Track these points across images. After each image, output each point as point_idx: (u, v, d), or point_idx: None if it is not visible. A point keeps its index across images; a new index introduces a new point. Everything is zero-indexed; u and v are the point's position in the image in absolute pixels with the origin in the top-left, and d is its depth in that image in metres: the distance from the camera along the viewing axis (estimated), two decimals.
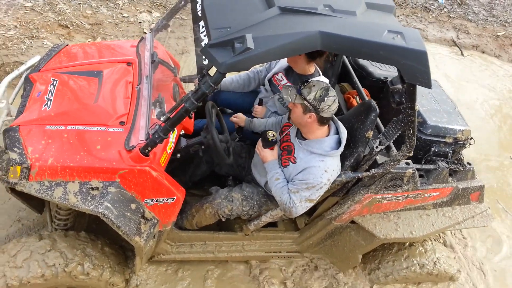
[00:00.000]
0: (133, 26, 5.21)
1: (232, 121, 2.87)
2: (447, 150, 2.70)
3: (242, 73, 3.17)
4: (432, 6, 7.47)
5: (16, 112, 2.52)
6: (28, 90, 2.63)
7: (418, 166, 2.62)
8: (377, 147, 2.45)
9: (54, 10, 4.99)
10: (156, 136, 2.18)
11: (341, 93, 3.17)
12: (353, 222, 2.80)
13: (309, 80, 2.37)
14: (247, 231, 2.78)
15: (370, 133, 2.48)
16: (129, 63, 2.81)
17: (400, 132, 2.34)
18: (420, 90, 2.98)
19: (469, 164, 2.78)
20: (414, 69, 2.00)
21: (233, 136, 2.98)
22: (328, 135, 2.43)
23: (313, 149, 2.38)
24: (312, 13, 2.14)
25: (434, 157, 2.70)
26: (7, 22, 4.61)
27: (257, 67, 3.25)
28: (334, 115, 2.47)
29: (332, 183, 2.46)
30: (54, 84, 2.59)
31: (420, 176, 2.70)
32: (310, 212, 2.89)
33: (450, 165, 2.68)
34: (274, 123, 2.80)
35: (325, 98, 2.26)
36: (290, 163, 2.45)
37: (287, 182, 2.45)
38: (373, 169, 2.50)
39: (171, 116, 2.15)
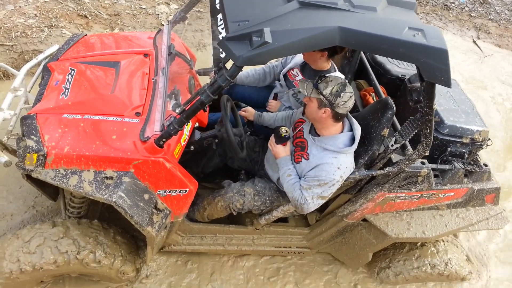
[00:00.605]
0: (151, 18, 5.22)
1: (241, 114, 2.84)
2: (463, 150, 2.66)
3: (258, 67, 3.15)
4: (453, 5, 7.35)
5: (34, 100, 2.55)
6: (46, 78, 2.65)
7: (434, 166, 2.59)
8: (392, 145, 2.43)
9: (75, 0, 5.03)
10: (171, 128, 2.18)
11: (358, 90, 3.13)
12: (364, 220, 2.78)
13: (327, 75, 2.34)
14: (258, 225, 2.78)
15: (386, 131, 2.46)
16: (146, 55, 2.82)
17: (416, 131, 2.32)
18: (438, 88, 2.94)
19: (486, 165, 2.74)
20: (434, 67, 1.96)
21: (245, 129, 2.97)
22: (342, 132, 2.41)
23: (326, 145, 2.36)
24: (331, 8, 2.11)
25: (450, 157, 2.66)
26: (27, 11, 4.66)
27: (273, 62, 3.23)
28: (349, 112, 2.45)
29: (345, 181, 2.45)
30: (71, 74, 2.62)
31: (435, 176, 2.67)
32: (322, 208, 2.88)
33: (466, 166, 2.64)
34: (283, 117, 2.78)
35: (342, 94, 2.24)
36: (303, 160, 2.44)
37: (299, 178, 2.44)
38: (387, 168, 2.47)
39: (186, 109, 2.16)
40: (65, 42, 2.96)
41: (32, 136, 2.25)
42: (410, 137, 2.36)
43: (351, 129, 2.42)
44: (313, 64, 2.78)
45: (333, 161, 2.33)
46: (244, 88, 3.14)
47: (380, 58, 3.18)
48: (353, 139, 2.39)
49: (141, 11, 5.23)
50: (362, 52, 3.20)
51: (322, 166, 2.34)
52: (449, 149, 2.66)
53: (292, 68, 2.93)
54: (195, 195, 2.83)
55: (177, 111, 2.23)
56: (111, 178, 2.24)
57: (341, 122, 2.41)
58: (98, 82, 2.59)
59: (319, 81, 2.27)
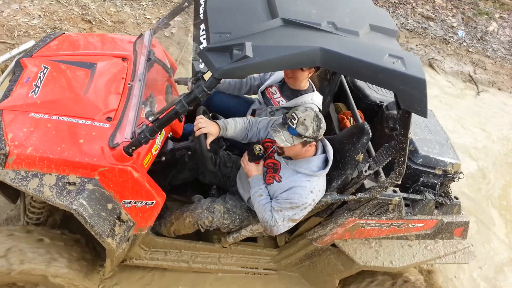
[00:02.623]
0: (144, 26, 5.18)
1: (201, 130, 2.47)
2: (435, 181, 2.67)
3: None
4: (452, 39, 7.54)
5: (1, 95, 2.43)
6: (18, 74, 2.54)
7: (405, 195, 2.58)
8: (365, 171, 2.41)
9: (79, 4, 5.00)
10: (142, 136, 2.11)
11: (336, 112, 3.14)
12: (334, 245, 2.73)
13: (288, 112, 2.25)
14: (225, 244, 2.70)
15: (360, 156, 2.44)
16: (124, 59, 2.74)
17: (390, 159, 2.31)
18: (415, 118, 2.96)
19: (456, 198, 2.75)
20: (412, 96, 1.97)
21: (220, 144, 2.92)
22: (315, 154, 2.38)
23: (300, 168, 2.32)
24: (315, 29, 2.10)
25: (422, 188, 2.66)
26: (32, 11, 4.63)
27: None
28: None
29: (317, 203, 2.41)
30: (44, 72, 2.52)
31: (406, 205, 2.66)
32: (291, 230, 2.83)
33: (437, 197, 2.64)
34: (243, 128, 2.55)
35: (321, 125, 2.22)
36: (275, 181, 2.40)
37: (271, 199, 2.39)
38: (359, 193, 2.45)
39: (160, 117, 2.09)
40: (41, 38, 2.86)
41: None
42: (384, 164, 2.35)
43: (324, 151, 2.40)
44: (293, 82, 2.74)
45: (307, 184, 2.29)
46: (222, 100, 3.08)
47: (360, 83, 3.20)
48: (326, 161, 2.36)
49: (145, 20, 5.23)
50: (342, 75, 3.22)
51: (295, 189, 2.30)
52: (421, 179, 2.66)
53: (270, 86, 2.89)
54: (163, 208, 2.74)
55: (150, 119, 2.16)
56: (74, 184, 2.13)
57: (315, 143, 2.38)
58: (71, 83, 2.50)
59: (291, 125, 2.18)
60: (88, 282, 2.39)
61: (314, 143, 2.28)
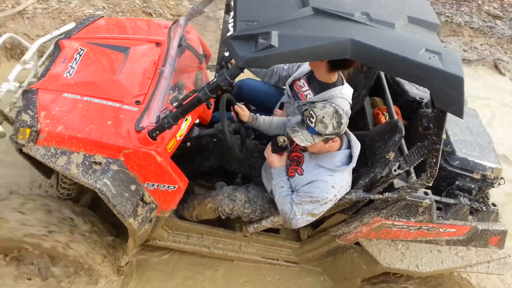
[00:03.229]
0: (211, 22, 5.26)
1: (236, 110, 2.60)
2: (472, 186, 2.51)
3: None
4: None
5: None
6: (56, 55, 2.64)
7: (437, 198, 2.44)
8: (395, 170, 2.30)
9: None
10: (166, 121, 2.12)
11: (371, 107, 3.01)
12: (358, 244, 2.65)
13: (308, 108, 2.20)
14: (246, 233, 2.70)
15: (391, 155, 2.33)
16: (158, 44, 2.77)
17: (422, 159, 2.19)
18: (456, 118, 2.78)
19: (494, 205, 2.57)
20: (447, 94, 1.84)
21: (248, 133, 2.89)
22: (340, 149, 2.30)
23: (322, 163, 2.26)
24: (347, 19, 2.01)
25: (456, 191, 2.51)
26: (97, 3, 4.83)
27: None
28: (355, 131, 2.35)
29: (340, 200, 2.34)
30: (80, 53, 2.59)
31: (438, 208, 2.52)
32: (315, 225, 2.78)
33: (472, 203, 2.48)
34: (279, 124, 2.62)
35: (342, 121, 2.15)
36: (297, 174, 2.35)
37: (292, 192, 2.35)
38: (387, 193, 2.34)
39: (183, 103, 2.09)
40: (80, 21, 2.95)
41: (29, 111, 2.23)
42: (415, 164, 2.23)
43: (349, 146, 2.31)
44: (318, 74, 2.64)
45: (328, 179, 2.23)
46: (254, 87, 3.03)
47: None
48: (350, 157, 2.28)
49: (203, 14, 5.24)
50: (382, 74, 3.07)
51: (316, 183, 2.24)
52: (457, 182, 2.51)
53: (298, 79, 2.79)
54: (188, 193, 2.77)
55: (174, 105, 2.17)
56: (100, 163, 2.19)
57: (339, 138, 2.30)
58: (105, 65, 2.56)
59: (310, 123, 2.13)
60: (110, 258, 2.48)
61: (337, 138, 2.20)
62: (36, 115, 2.22)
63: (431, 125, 2.06)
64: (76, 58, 2.55)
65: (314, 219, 2.34)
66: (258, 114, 2.56)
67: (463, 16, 7.05)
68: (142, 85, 2.47)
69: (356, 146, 2.31)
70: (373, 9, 2.08)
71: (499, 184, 2.53)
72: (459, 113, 1.87)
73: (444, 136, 2.04)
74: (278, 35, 1.87)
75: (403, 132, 2.34)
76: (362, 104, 2.94)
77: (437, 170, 2.14)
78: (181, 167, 2.50)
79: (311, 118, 2.13)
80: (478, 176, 2.49)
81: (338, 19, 2.02)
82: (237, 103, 2.60)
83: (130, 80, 2.48)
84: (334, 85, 2.61)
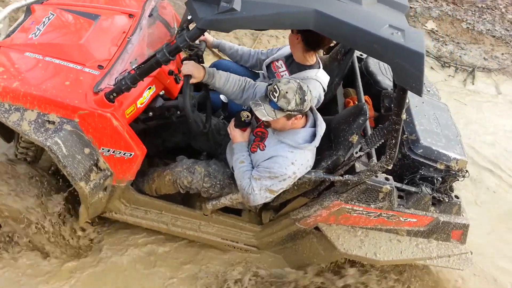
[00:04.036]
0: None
1: (184, 72, 2.33)
2: (436, 176, 2.47)
3: (246, 47, 3.03)
4: None
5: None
6: (25, 18, 2.60)
7: (398, 184, 2.40)
8: (356, 152, 2.26)
9: None
10: (123, 83, 2.08)
11: (344, 96, 2.98)
12: (318, 229, 2.60)
13: (271, 83, 2.16)
14: (206, 211, 2.63)
15: (354, 138, 2.29)
16: (131, 15, 2.73)
17: (383, 140, 2.15)
18: (424, 109, 2.79)
19: (457, 197, 2.53)
20: (407, 71, 1.81)
21: (218, 113, 2.85)
22: (304, 127, 2.26)
23: (284, 139, 2.22)
24: None
25: (419, 181, 2.47)
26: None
27: (261, 49, 3.10)
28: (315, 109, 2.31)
29: (300, 179, 2.29)
30: (50, 17, 2.54)
31: (399, 197, 2.48)
32: (277, 209, 2.73)
33: (434, 193, 2.44)
34: (236, 84, 2.45)
35: (305, 97, 2.10)
36: (258, 150, 2.31)
37: (252, 168, 2.30)
38: (347, 175, 2.30)
39: (142, 66, 2.05)
40: None
41: None
42: (376, 146, 2.20)
43: (315, 125, 2.27)
44: (296, 55, 2.63)
45: (288, 155, 2.18)
46: (228, 68, 2.99)
47: (373, 68, 3.02)
48: (314, 135, 2.24)
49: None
50: (355, 59, 3.05)
51: (276, 158, 2.20)
52: (420, 172, 2.47)
53: (276, 60, 2.78)
54: (149, 167, 2.72)
55: (133, 67, 2.13)
56: (53, 123, 2.14)
57: (305, 116, 2.26)
58: (72, 30, 2.52)
59: (273, 98, 2.08)
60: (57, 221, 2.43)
61: (300, 116, 2.16)
62: None
63: (392, 105, 2.03)
64: (44, 22, 2.50)
65: (272, 196, 2.29)
66: (215, 69, 2.45)
67: (485, 24, 6.98)
68: (108, 52, 2.42)
69: (321, 125, 2.27)
70: None
71: (463, 177, 2.49)
72: (418, 91, 1.84)
73: (404, 116, 2.00)
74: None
75: (368, 115, 2.30)
76: (335, 93, 2.91)
77: (396, 151, 2.11)
78: (147, 142, 2.46)
79: (274, 93, 2.09)
80: (442, 167, 2.46)
81: None
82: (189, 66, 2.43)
83: (95, 46, 2.43)
84: (310, 67, 2.59)
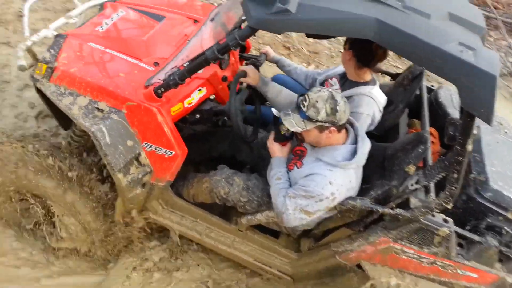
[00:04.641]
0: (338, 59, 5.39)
1: (240, 70, 2.36)
2: (505, 227, 2.10)
3: (304, 67, 2.95)
4: None
5: None
6: (97, 13, 2.75)
7: (459, 230, 2.07)
8: (412, 184, 2.01)
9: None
10: (171, 78, 2.08)
11: (407, 126, 2.72)
12: (360, 267, 2.32)
13: (302, 94, 2.02)
14: (241, 226, 2.49)
15: (411, 168, 2.04)
16: (196, 21, 2.78)
17: (443, 174, 1.89)
18: (501, 149, 2.43)
19: None
20: (476, 94, 1.59)
21: (268, 128, 2.74)
22: (344, 143, 2.07)
23: (322, 156, 2.05)
24: (377, 1, 1.84)
25: (485, 230, 2.12)
26: None
27: (318, 70, 2.99)
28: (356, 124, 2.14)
29: (343, 205, 2.08)
30: (118, 14, 2.67)
31: (459, 245, 2.14)
32: (319, 239, 2.51)
33: (502, 246, 2.07)
34: (287, 98, 2.38)
35: (337, 107, 1.93)
36: (295, 167, 2.17)
37: (289, 186, 2.15)
38: (398, 209, 2.04)
39: (191, 63, 2.03)
40: None
41: (52, 50, 2.32)
42: (435, 180, 1.93)
43: (356, 141, 2.07)
44: (348, 71, 2.51)
45: (327, 173, 2.00)
46: (285, 83, 2.89)
47: (443, 99, 2.73)
48: (355, 153, 2.03)
49: (339, 54, 5.41)
50: (424, 88, 2.78)
51: (313, 176, 2.03)
52: (487, 219, 2.12)
53: (331, 77, 2.66)
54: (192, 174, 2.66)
55: (183, 64, 2.11)
56: (102, 111, 2.18)
57: (344, 131, 2.08)
58: (137, 28, 2.62)
59: (303, 108, 1.95)
60: (92, 216, 2.44)
61: (334, 128, 1.99)
62: (56, 55, 2.29)
63: (457, 134, 1.78)
64: (113, 18, 2.64)
65: (308, 218, 2.09)
66: (270, 79, 2.38)
67: None
68: (166, 51, 2.47)
69: (364, 142, 2.07)
70: None
71: None
72: (487, 119, 1.61)
73: (470, 148, 1.75)
74: (298, 1, 1.76)
75: (429, 144, 2.05)
76: (398, 120, 2.67)
77: (459, 188, 1.83)
78: (193, 147, 2.42)
79: (304, 102, 1.96)
80: None
81: (370, 0, 1.86)
82: (247, 66, 2.41)
83: (156, 44, 2.50)
84: (364, 84, 2.43)
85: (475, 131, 2.66)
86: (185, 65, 2.08)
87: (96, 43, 2.40)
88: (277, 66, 2.98)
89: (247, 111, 2.37)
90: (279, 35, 5.07)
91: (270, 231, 2.61)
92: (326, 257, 2.41)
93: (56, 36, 2.41)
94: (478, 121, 2.69)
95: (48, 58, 2.25)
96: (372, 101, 2.36)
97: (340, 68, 2.67)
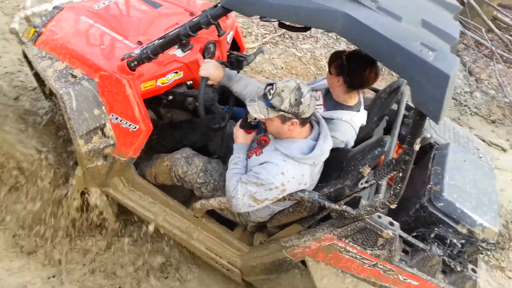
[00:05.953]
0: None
1: (201, 74, 2.31)
2: (454, 241, 2.10)
3: None
4: None
5: None
6: None
7: (404, 234, 2.08)
8: (362, 183, 2.03)
9: (317, 65, 5.44)
10: (144, 52, 2.14)
11: None
12: (305, 264, 2.31)
13: (271, 84, 2.04)
14: (196, 212, 2.50)
15: (365, 169, 2.06)
16: (192, 14, 2.86)
17: (392, 174, 1.91)
18: (463, 166, 2.43)
19: (474, 271, 2.11)
20: (427, 92, 1.63)
21: None
22: (305, 138, 2.10)
23: (280, 146, 2.08)
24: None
25: (432, 239, 2.12)
26: (277, 62, 5.23)
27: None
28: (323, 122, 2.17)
29: (292, 196, 2.10)
30: None
31: (404, 251, 2.14)
32: (270, 234, 2.52)
33: (446, 256, 2.06)
34: (254, 91, 2.42)
35: (302, 99, 1.96)
36: (254, 155, 2.20)
37: (245, 172, 2.18)
38: (344, 206, 2.06)
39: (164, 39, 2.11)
40: None
41: (44, 18, 2.42)
42: (384, 179, 1.96)
43: (318, 138, 2.10)
44: (334, 92, 2.45)
45: (280, 163, 2.03)
46: None
47: None
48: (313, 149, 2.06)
49: None
50: (403, 105, 2.82)
51: (267, 164, 2.06)
52: (436, 229, 2.13)
53: (315, 90, 2.64)
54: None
55: (156, 40, 2.19)
56: (75, 76, 2.25)
57: (308, 126, 2.11)
58: (132, 11, 2.73)
59: (268, 96, 1.98)
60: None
61: (297, 121, 2.01)
62: (47, 22, 2.40)
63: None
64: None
65: (256, 205, 2.11)
66: (236, 73, 2.42)
67: None
68: (154, 34, 2.52)
69: (326, 140, 2.09)
70: (387, 1, 1.96)
71: (488, 250, 2.10)
72: (435, 117, 1.64)
73: (417, 148, 1.78)
74: None
75: (385, 147, 2.08)
76: (371, 133, 2.70)
77: (403, 187, 1.85)
78: (167, 133, 2.46)
79: (270, 90, 1.99)
80: (463, 230, 2.10)
81: None
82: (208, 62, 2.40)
83: (145, 26, 2.58)
84: (348, 108, 2.41)
85: (428, 134, 2.73)
86: (156, 40, 2.15)
87: (87, 17, 2.50)
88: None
89: (216, 97, 2.42)
90: (312, 68, 5.13)
91: (228, 224, 2.61)
92: (274, 250, 2.42)
93: (54, 7, 2.53)
94: (450, 139, 2.77)
95: (37, 23, 2.36)
96: (351, 128, 2.37)
97: (325, 82, 2.58)
